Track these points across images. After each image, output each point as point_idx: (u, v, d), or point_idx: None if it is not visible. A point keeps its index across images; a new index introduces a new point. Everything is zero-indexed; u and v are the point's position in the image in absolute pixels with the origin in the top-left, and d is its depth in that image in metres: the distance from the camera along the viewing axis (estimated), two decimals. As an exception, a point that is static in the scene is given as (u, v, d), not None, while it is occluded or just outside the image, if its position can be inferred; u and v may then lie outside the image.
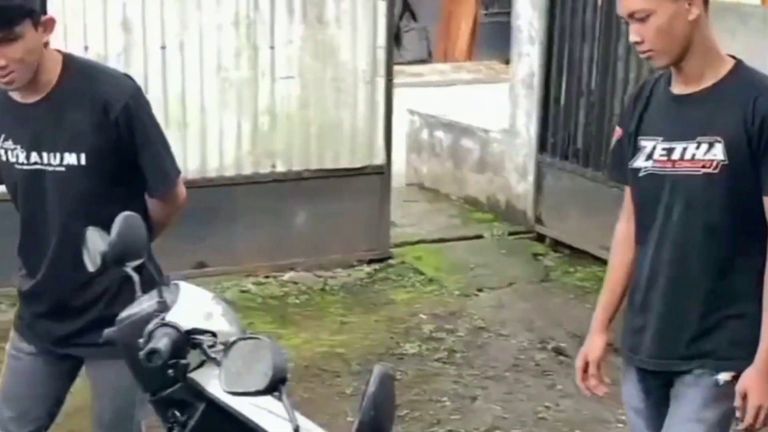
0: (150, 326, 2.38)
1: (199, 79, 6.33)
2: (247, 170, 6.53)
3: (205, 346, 2.39)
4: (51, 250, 3.02)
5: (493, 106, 8.38)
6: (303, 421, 2.29)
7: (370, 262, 6.88)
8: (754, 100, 2.71)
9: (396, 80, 7.06)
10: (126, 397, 3.05)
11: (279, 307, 6.17)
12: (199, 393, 2.42)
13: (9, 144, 2.98)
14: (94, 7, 6.03)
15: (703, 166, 2.76)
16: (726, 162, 2.73)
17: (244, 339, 2.23)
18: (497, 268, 6.85)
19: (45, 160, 2.95)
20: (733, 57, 2.84)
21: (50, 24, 2.92)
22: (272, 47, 6.46)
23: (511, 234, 7.46)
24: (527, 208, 7.51)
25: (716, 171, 2.74)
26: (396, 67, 7.22)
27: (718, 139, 2.73)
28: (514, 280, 6.68)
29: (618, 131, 2.99)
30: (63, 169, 2.94)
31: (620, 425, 4.73)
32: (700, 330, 2.83)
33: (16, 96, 2.98)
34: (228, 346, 2.22)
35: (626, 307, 3.03)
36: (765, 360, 2.73)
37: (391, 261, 6.92)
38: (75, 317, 3.06)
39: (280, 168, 6.63)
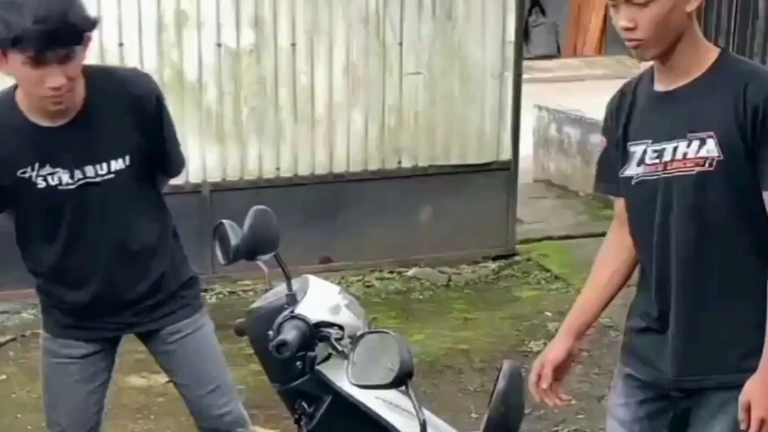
0: (279, 318, 2.43)
1: (328, 76, 6.40)
2: (374, 166, 6.58)
3: (332, 339, 2.43)
4: (103, 260, 3.04)
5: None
6: (429, 416, 2.30)
7: (495, 258, 6.86)
8: (744, 88, 2.47)
9: (524, 76, 7.01)
10: (212, 345, 3.20)
11: (403, 303, 6.20)
12: (326, 385, 2.45)
13: (47, 169, 2.93)
14: (226, 6, 6.16)
15: (697, 165, 2.52)
16: (721, 158, 2.49)
17: (371, 333, 2.25)
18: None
19: (91, 173, 2.94)
20: (717, 45, 2.63)
21: (89, 40, 2.87)
22: (400, 43, 6.50)
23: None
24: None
25: (711, 168, 2.50)
26: (524, 63, 7.18)
27: (710, 134, 2.50)
28: (642, 279, 6.57)
29: (603, 142, 2.76)
30: (113, 176, 2.96)
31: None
32: (717, 344, 2.57)
33: (39, 121, 2.90)
34: (355, 340, 2.24)
35: (631, 315, 2.76)
36: None
37: (516, 258, 6.89)
38: (137, 304, 3.12)
39: (406, 164, 6.66)
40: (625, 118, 2.66)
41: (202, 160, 6.24)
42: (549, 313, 5.97)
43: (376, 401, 2.43)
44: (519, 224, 7.12)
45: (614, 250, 2.78)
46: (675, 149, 2.54)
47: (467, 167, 6.74)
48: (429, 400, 4.61)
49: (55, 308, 3.19)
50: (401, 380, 2.10)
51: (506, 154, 6.82)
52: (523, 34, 8.20)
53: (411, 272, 6.62)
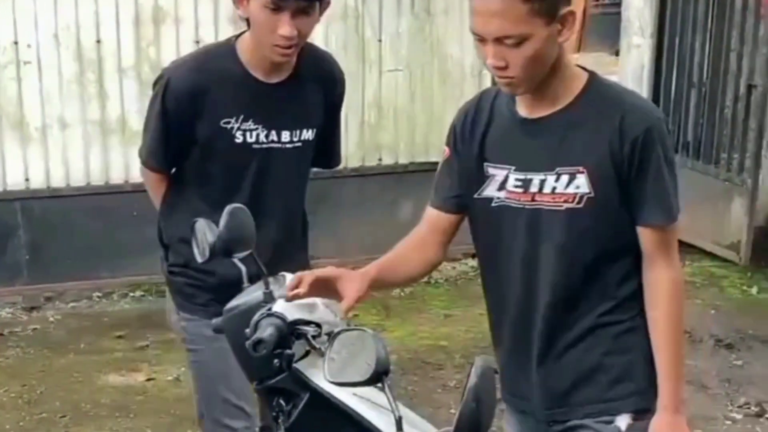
0: (256, 317, 2.42)
1: (307, 72, 6.39)
2: (354, 163, 6.58)
3: (309, 336, 2.42)
4: (272, 231, 3.05)
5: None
6: (406, 412, 2.30)
7: (475, 255, 6.85)
8: (620, 121, 2.33)
9: (503, 73, 7.01)
10: None
11: (383, 299, 6.21)
12: (303, 383, 2.45)
13: (249, 124, 3.00)
14: (204, 3, 6.15)
15: (566, 201, 2.37)
16: (591, 195, 2.35)
17: (348, 330, 2.25)
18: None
19: (286, 138, 3.03)
20: (584, 68, 2.46)
21: (327, 5, 3.00)
22: (380, 40, 6.50)
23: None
24: (636, 201, 7.42)
25: (580, 205, 2.36)
26: (503, 60, 7.17)
27: (581, 169, 2.35)
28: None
29: (446, 151, 2.61)
30: (300, 144, 3.05)
31: (728, 422, 4.66)
32: (582, 374, 2.48)
33: (258, 75, 3.00)
34: (332, 337, 2.24)
35: (495, 345, 2.65)
36: (672, 403, 2.41)
37: (496, 254, 6.89)
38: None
39: (387, 161, 6.66)
40: (481, 136, 2.50)
41: (181, 157, 6.22)
42: (528, 309, 5.98)
43: (353, 398, 2.43)
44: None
45: (419, 247, 2.71)
46: (542, 182, 2.40)
47: (447, 164, 6.74)
48: (409, 396, 4.63)
49: (199, 288, 3.12)
50: (378, 377, 2.11)
51: (485, 151, 6.82)
52: (503, 30, 8.17)
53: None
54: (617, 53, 8.57)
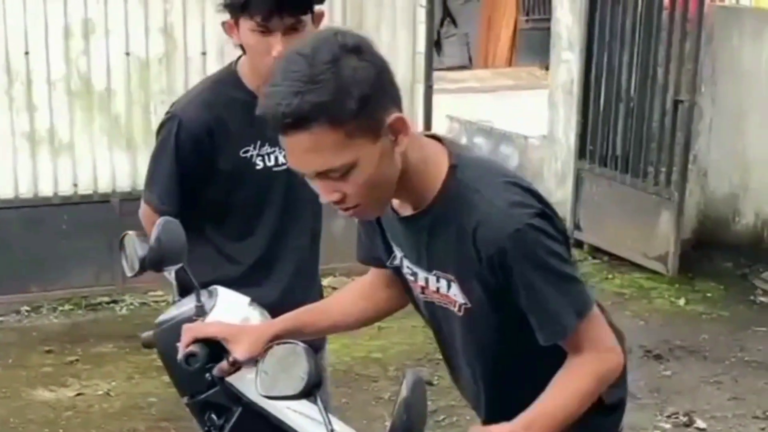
0: (188, 330, 2.40)
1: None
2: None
3: (241, 350, 2.41)
4: (298, 253, 3.03)
5: (533, 113, 8.38)
6: (338, 425, 2.31)
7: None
8: (473, 234, 2.01)
9: (436, 86, 7.06)
10: None
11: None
12: (235, 397, 2.44)
13: (266, 148, 2.93)
14: (135, 15, 6.11)
15: (450, 303, 2.14)
16: (468, 305, 2.11)
17: (280, 344, 2.24)
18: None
19: None
20: (449, 151, 2.10)
21: (321, 15, 2.92)
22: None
23: (549, 240, 7.43)
24: (566, 214, 7.50)
25: (461, 314, 2.13)
26: (436, 74, 7.23)
27: (451, 278, 2.11)
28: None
29: None
30: None
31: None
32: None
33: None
34: (264, 351, 2.24)
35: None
36: (525, 425, 2.04)
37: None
38: None
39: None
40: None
41: (111, 170, 6.17)
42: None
43: (286, 411, 2.43)
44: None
45: (368, 294, 2.51)
46: (427, 280, 2.17)
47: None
48: (343, 409, 4.62)
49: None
50: (310, 391, 2.10)
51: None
52: (435, 45, 8.28)
53: (326, 282, 6.60)
54: (547, 68, 8.68)
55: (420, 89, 6.76)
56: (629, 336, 3.07)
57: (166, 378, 2.66)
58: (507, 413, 2.08)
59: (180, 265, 2.53)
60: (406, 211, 2.13)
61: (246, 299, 2.61)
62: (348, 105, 1.92)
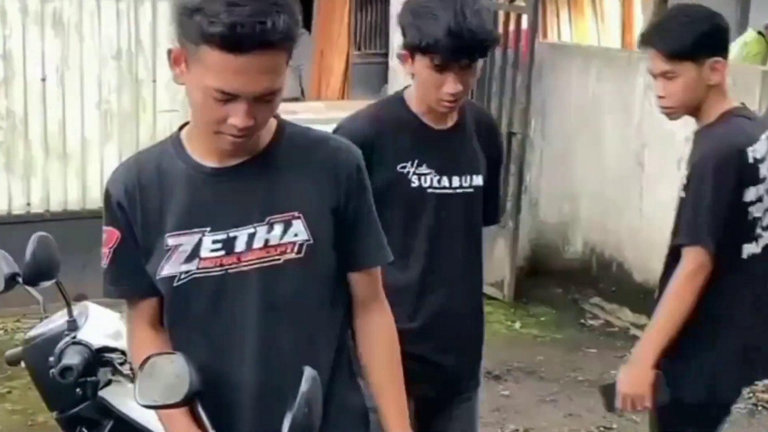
0: (61, 344, 2.42)
1: (80, 111, 6.31)
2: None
3: (115, 363, 2.44)
4: (450, 271, 3.02)
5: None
6: None
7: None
8: (331, 161, 2.22)
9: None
10: None
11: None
12: (107, 410, 2.46)
13: (423, 169, 2.96)
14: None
15: (283, 252, 2.16)
16: (311, 242, 2.17)
17: (158, 355, 2.27)
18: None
19: (453, 183, 2.99)
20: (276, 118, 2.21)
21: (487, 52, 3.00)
22: (154, 81, 6.49)
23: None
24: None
25: (300, 255, 2.17)
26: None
27: (296, 214, 2.16)
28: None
29: (114, 234, 2.20)
30: (471, 190, 3.01)
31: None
32: None
33: (431, 122, 2.98)
34: (143, 361, 2.26)
35: None
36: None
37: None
38: None
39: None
40: (160, 201, 2.18)
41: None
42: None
43: (158, 424, 2.44)
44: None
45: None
46: (252, 236, 2.15)
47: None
48: None
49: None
50: (190, 398, 2.14)
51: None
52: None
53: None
54: (384, 100, 8.84)
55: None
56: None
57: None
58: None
59: (54, 280, 2.53)
60: (233, 161, 2.15)
61: (116, 314, 2.63)
62: (298, 30, 2.02)
